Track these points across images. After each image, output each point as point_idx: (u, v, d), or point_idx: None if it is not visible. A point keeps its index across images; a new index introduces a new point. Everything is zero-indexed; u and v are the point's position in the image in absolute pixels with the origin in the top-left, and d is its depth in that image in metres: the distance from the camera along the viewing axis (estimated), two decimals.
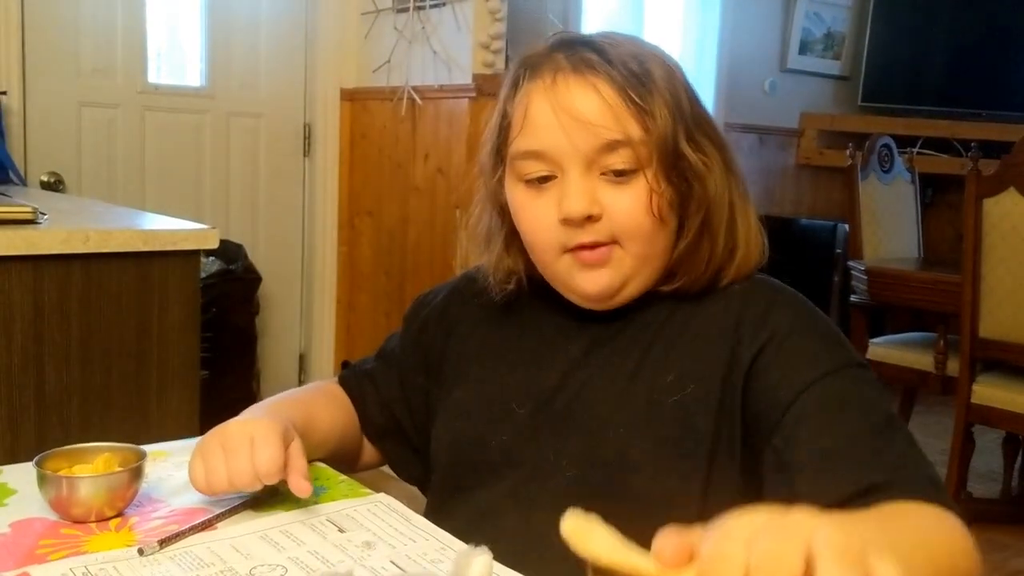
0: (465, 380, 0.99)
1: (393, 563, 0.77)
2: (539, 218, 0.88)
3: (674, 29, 4.17)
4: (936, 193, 4.38)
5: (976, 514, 2.90)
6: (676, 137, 0.86)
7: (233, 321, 2.92)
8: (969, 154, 2.65)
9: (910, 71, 4.73)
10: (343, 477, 0.96)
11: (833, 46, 4.77)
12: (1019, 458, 3.05)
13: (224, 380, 2.75)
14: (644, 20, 4.13)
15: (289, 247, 3.50)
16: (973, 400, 2.65)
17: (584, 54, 0.87)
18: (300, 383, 3.52)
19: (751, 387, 0.85)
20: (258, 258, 3.20)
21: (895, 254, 3.34)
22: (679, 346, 0.89)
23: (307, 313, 3.55)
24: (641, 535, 0.52)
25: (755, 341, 0.86)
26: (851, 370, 0.84)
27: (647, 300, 0.92)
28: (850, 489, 0.75)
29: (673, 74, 0.89)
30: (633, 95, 0.84)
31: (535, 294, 0.97)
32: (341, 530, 0.83)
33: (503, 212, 0.94)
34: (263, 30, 3.33)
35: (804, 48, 4.65)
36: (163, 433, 1.01)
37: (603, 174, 0.86)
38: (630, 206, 0.85)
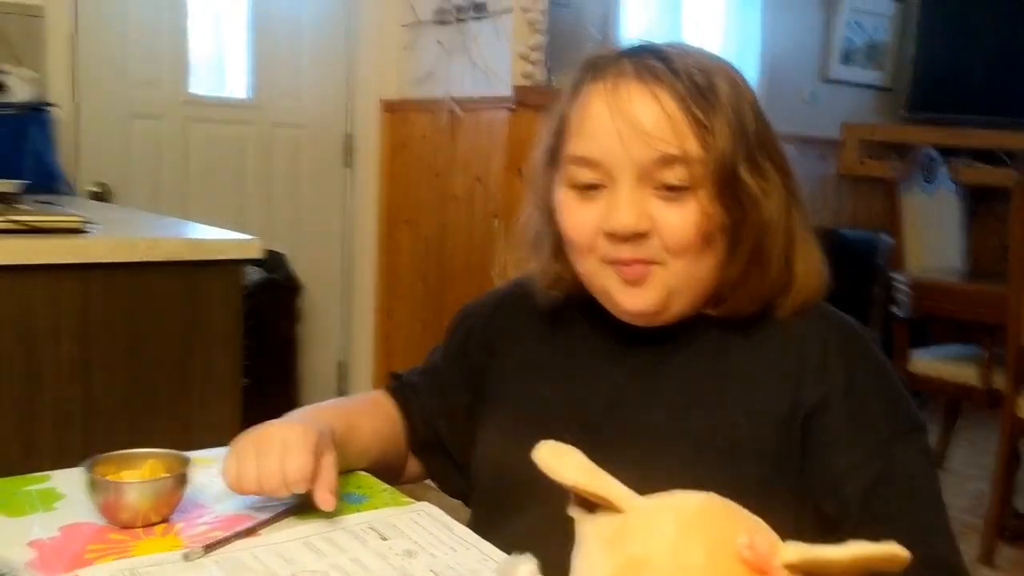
0: (508, 399, 0.97)
1: (433, 572, 0.78)
2: (583, 224, 0.86)
3: (714, 38, 4.15)
4: (981, 204, 4.31)
5: (1021, 531, 2.85)
6: (735, 158, 0.83)
7: (274, 330, 2.96)
8: (1015, 164, 2.61)
9: (954, 81, 4.67)
10: (384, 486, 0.97)
11: (875, 56, 4.73)
12: None
13: (265, 388, 2.78)
14: (682, 29, 4.12)
15: (329, 256, 3.53)
16: (1020, 414, 2.61)
17: (649, 61, 0.84)
18: (339, 391, 3.55)
19: (808, 440, 0.83)
20: (299, 267, 3.24)
21: (938, 265, 3.29)
22: (733, 382, 0.87)
23: (347, 322, 3.58)
24: None
25: (815, 391, 0.84)
26: (905, 441, 0.84)
27: (696, 323, 0.90)
28: None
29: (740, 91, 0.85)
30: (695, 109, 0.82)
31: (582, 308, 0.94)
32: (383, 538, 0.84)
33: (552, 216, 0.91)
34: (306, 42, 3.37)
35: (846, 58, 4.61)
36: (206, 440, 1.02)
37: (655, 188, 0.83)
38: (679, 224, 0.82)
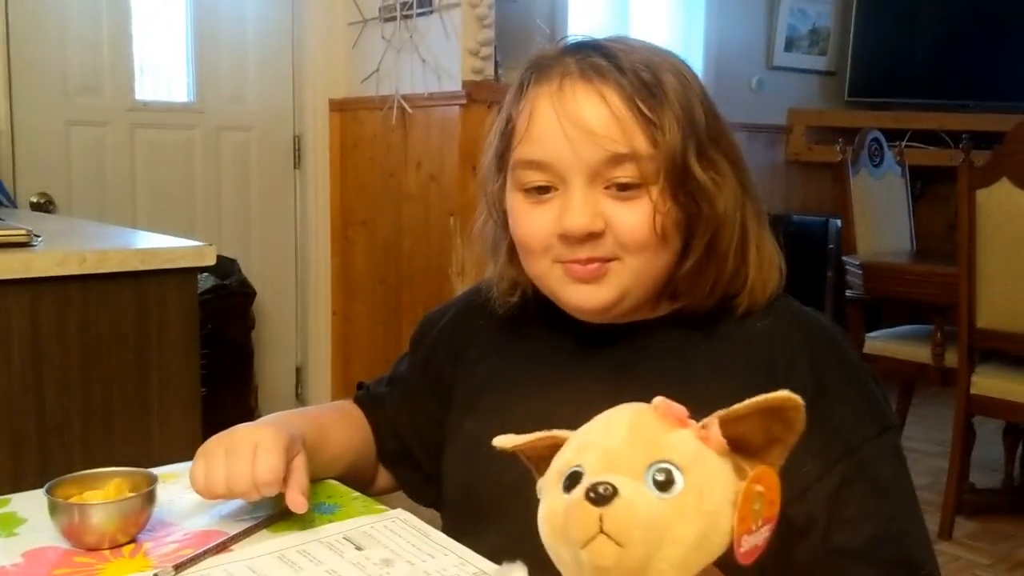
0: (475, 410, 0.96)
1: None
2: (536, 228, 0.84)
3: (660, 30, 4.17)
4: (926, 185, 4.39)
5: (979, 505, 2.91)
6: (685, 153, 0.81)
7: (229, 337, 2.91)
8: (960, 145, 2.66)
9: (896, 64, 4.75)
10: (356, 494, 0.95)
11: (819, 42, 4.79)
12: (1020, 448, 3.06)
13: (222, 397, 2.73)
14: (630, 21, 4.13)
15: (283, 260, 3.48)
16: (972, 391, 2.66)
17: (594, 59, 0.83)
18: (298, 397, 3.51)
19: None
20: (252, 272, 3.19)
21: (888, 247, 3.34)
22: (698, 386, 0.84)
23: (303, 326, 3.54)
24: None
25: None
26: (875, 443, 0.83)
27: (657, 324, 0.89)
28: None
29: (688, 84, 0.84)
30: (642, 106, 0.80)
31: (542, 312, 0.93)
32: (359, 548, 0.82)
33: (505, 221, 0.90)
34: (250, 43, 3.32)
35: (790, 45, 4.66)
36: (167, 453, 1.00)
37: (606, 188, 0.82)
38: (633, 222, 0.81)
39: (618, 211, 0.82)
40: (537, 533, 0.84)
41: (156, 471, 0.88)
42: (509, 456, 0.86)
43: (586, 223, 0.81)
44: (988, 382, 2.64)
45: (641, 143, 0.81)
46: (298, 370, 3.56)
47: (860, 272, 3.01)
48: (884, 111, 4.55)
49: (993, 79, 4.60)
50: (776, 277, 0.89)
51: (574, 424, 0.87)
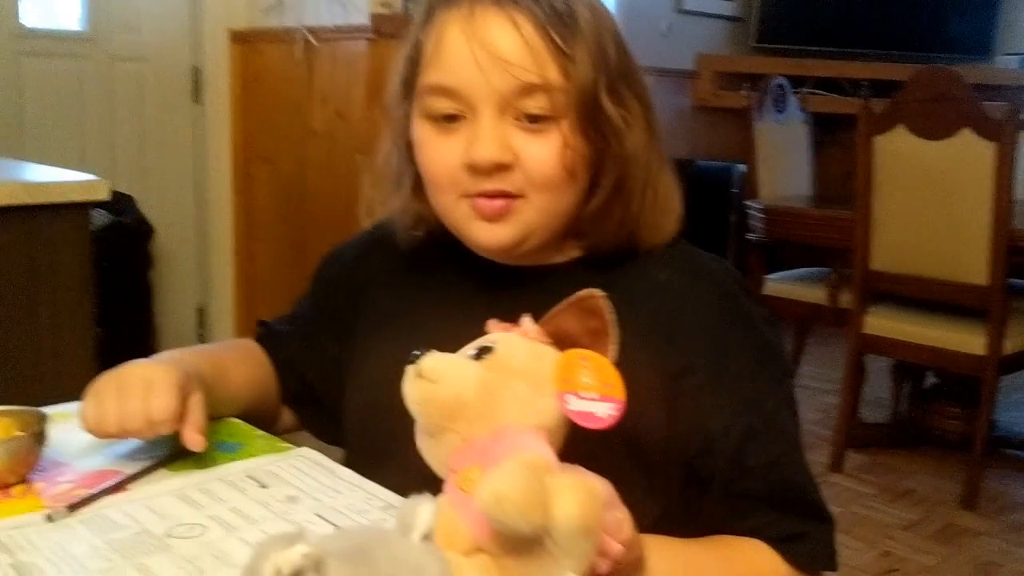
0: (376, 347, 0.93)
1: (319, 516, 0.76)
2: (442, 159, 0.82)
3: None
4: (827, 133, 4.50)
5: (868, 439, 3.05)
6: (597, 88, 0.80)
7: (126, 275, 2.81)
8: (860, 93, 2.72)
9: (803, 12, 4.82)
10: (259, 432, 0.94)
11: None
12: (907, 385, 3.21)
13: (120, 337, 2.65)
14: None
15: (182, 197, 3.37)
16: (864, 330, 2.76)
17: None
18: (200, 338, 3.43)
19: (678, 402, 0.82)
20: (149, 209, 3.08)
21: (790, 192, 3.42)
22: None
23: (204, 266, 3.44)
24: None
25: (683, 353, 0.83)
26: (773, 393, 0.85)
27: (563, 269, 0.88)
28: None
29: (602, 20, 0.82)
30: (555, 36, 0.78)
31: (446, 250, 0.91)
32: (263, 486, 0.81)
33: (410, 151, 0.86)
34: None
35: None
36: (60, 393, 0.95)
37: (516, 119, 0.79)
38: (542, 156, 0.79)
39: (528, 144, 0.80)
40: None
41: (47, 410, 0.85)
42: None
43: (495, 153, 0.79)
44: (880, 322, 2.75)
45: (553, 74, 0.79)
46: (200, 311, 3.47)
47: (762, 216, 3.08)
48: (790, 58, 4.62)
49: (894, 29, 4.72)
50: (675, 220, 0.89)
51: None
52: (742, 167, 3.87)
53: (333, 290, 1.02)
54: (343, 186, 2.94)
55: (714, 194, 4.26)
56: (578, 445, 0.68)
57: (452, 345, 0.85)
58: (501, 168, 0.80)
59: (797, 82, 3.89)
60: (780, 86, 3.45)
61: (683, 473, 0.84)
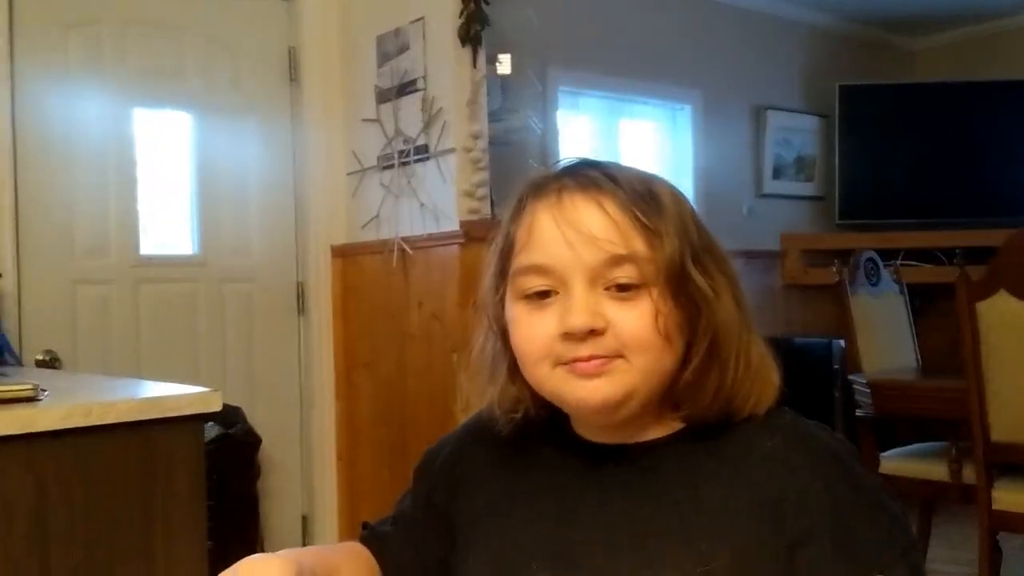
0: (477, 542, 0.93)
1: None
2: (537, 332, 0.84)
3: (649, 165, 4.29)
4: (924, 302, 4.42)
5: None
6: (683, 257, 0.83)
7: (234, 486, 2.87)
8: (955, 260, 2.69)
9: (881, 187, 4.87)
10: None
11: (805, 168, 4.92)
12: None
13: (228, 549, 2.66)
14: (619, 159, 4.25)
15: (287, 406, 3.47)
16: (995, 507, 2.60)
17: (589, 173, 0.86)
18: (304, 545, 3.42)
19: (795, 570, 0.80)
20: (256, 420, 3.17)
21: (893, 365, 3.34)
22: (711, 506, 0.83)
23: (307, 473, 3.49)
24: None
25: (798, 523, 0.81)
26: (898, 566, 0.81)
27: (663, 443, 0.88)
28: None
29: (680, 202, 0.87)
30: (639, 214, 0.83)
31: (546, 434, 0.92)
32: None
33: (505, 336, 0.89)
34: (252, 196, 3.41)
35: (777, 173, 4.79)
36: None
37: (607, 289, 0.83)
38: (634, 321, 0.82)
39: (619, 311, 0.82)
40: None
41: None
42: None
43: (588, 320, 0.81)
44: (1010, 497, 2.58)
45: (640, 246, 0.83)
46: (304, 518, 3.49)
47: (868, 391, 2.99)
48: (875, 232, 4.63)
49: (973, 197, 4.72)
50: (773, 389, 0.88)
51: (584, 551, 0.85)
52: (841, 342, 3.80)
53: (434, 485, 1.02)
54: (440, 385, 2.99)
55: (815, 371, 4.17)
56: None
57: (559, 529, 0.84)
58: (594, 334, 0.82)
59: (886, 255, 3.87)
60: (871, 259, 3.44)
61: None
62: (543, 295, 0.84)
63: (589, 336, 0.82)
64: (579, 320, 0.81)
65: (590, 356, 0.82)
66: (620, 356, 0.82)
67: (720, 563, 0.80)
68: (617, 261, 0.82)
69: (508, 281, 0.88)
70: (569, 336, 0.82)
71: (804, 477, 0.83)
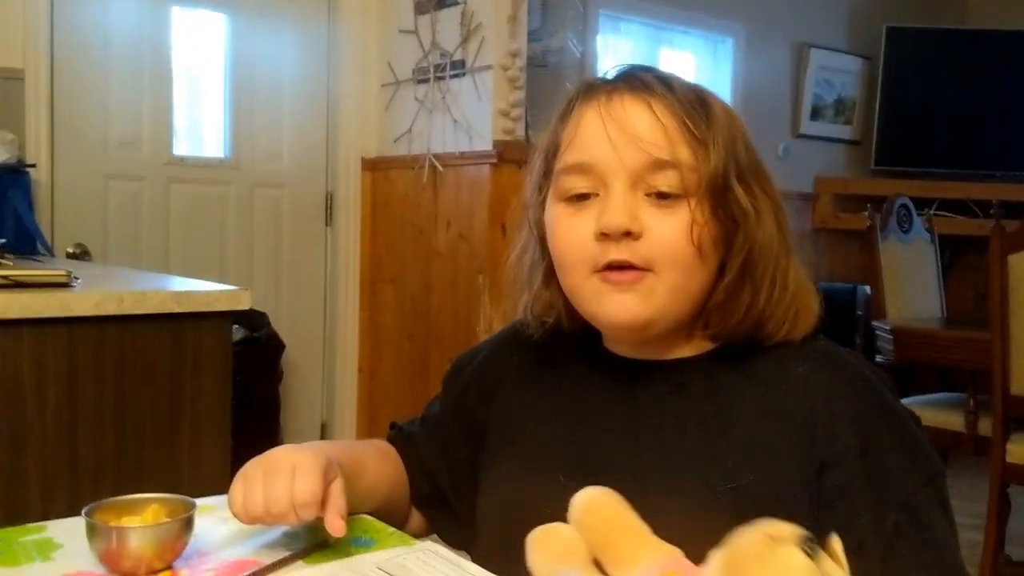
0: (508, 448, 0.95)
1: None
2: (574, 232, 0.84)
3: None
4: (954, 255, 4.37)
5: None
6: (727, 171, 0.82)
7: (257, 389, 2.91)
8: (991, 212, 2.65)
9: (921, 134, 4.78)
10: (392, 530, 0.94)
11: (844, 111, 4.83)
12: None
13: (247, 448, 2.72)
14: None
15: (312, 315, 3.50)
16: (1008, 460, 2.60)
17: (644, 76, 0.85)
18: None
19: (824, 492, 0.80)
20: (281, 326, 3.21)
21: (918, 314, 3.32)
22: (740, 426, 0.84)
23: (329, 381, 3.54)
24: None
25: (828, 447, 0.81)
26: (925, 492, 0.81)
27: (694, 362, 0.88)
28: None
29: (732, 116, 0.86)
30: (688, 121, 0.82)
31: (577, 346, 0.93)
32: None
33: (544, 241, 0.90)
34: (285, 103, 3.39)
35: (816, 114, 4.71)
36: (196, 495, 0.99)
37: (647, 195, 0.82)
38: (671, 230, 0.81)
39: (657, 218, 0.82)
40: None
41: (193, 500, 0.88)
42: (545, 496, 0.84)
43: (624, 221, 0.81)
44: (1023, 450, 2.59)
45: (684, 153, 0.82)
46: (323, 426, 3.55)
47: (891, 337, 2.98)
48: (909, 180, 4.56)
49: (1015, 150, 4.62)
50: (811, 317, 0.88)
51: (610, 465, 0.86)
52: (866, 288, 3.78)
53: (464, 392, 1.03)
54: (464, 305, 3.00)
55: (838, 316, 4.14)
56: (720, 535, 0.66)
57: (587, 441, 0.86)
58: (630, 237, 0.81)
59: (920, 204, 3.83)
60: (904, 206, 3.40)
61: None
62: (583, 197, 0.84)
63: (624, 238, 0.81)
64: (616, 219, 0.81)
65: (624, 261, 0.82)
66: (651, 271, 0.82)
67: (746, 481, 0.81)
68: (660, 166, 0.81)
69: (551, 182, 0.88)
70: (604, 236, 0.82)
71: (835, 402, 0.83)
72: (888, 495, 0.80)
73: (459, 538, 1.03)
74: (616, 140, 0.82)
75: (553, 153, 0.88)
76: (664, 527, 0.75)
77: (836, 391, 0.83)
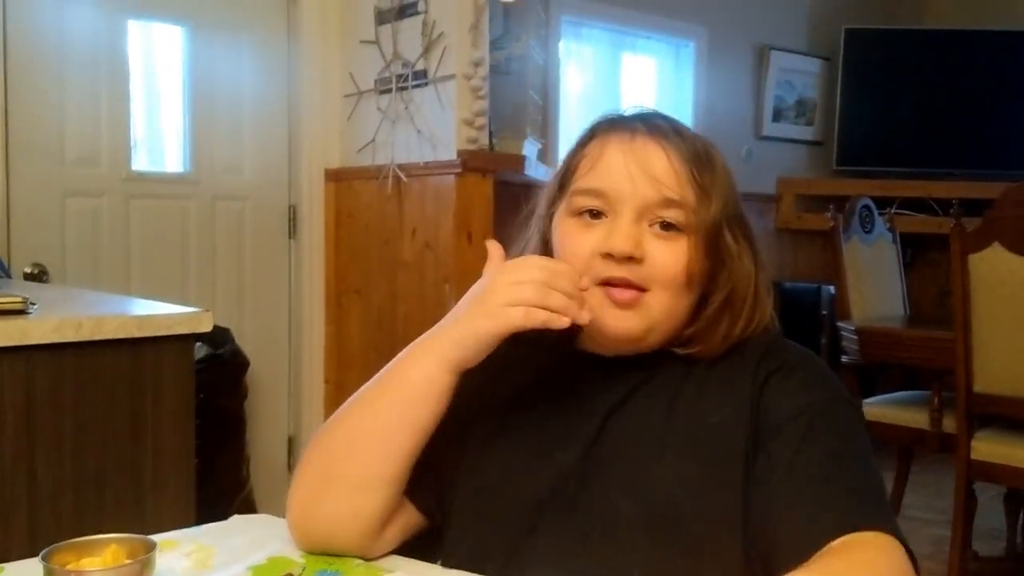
0: (511, 426, 1.00)
1: None
2: (582, 246, 0.94)
3: (648, 101, 4.25)
4: (916, 252, 4.43)
5: (983, 574, 2.86)
6: (721, 218, 0.95)
7: (221, 407, 2.87)
8: (951, 211, 2.69)
9: (881, 135, 4.84)
10: (358, 561, 0.93)
11: (805, 112, 4.88)
12: (1022, 514, 3.02)
13: (214, 467, 2.69)
14: (620, 94, 4.21)
15: (276, 329, 3.46)
16: (973, 456, 2.64)
17: (660, 124, 0.98)
18: (289, 467, 3.46)
19: (761, 404, 0.92)
20: (245, 342, 3.17)
21: (881, 313, 3.35)
22: (709, 385, 0.96)
23: (295, 395, 3.51)
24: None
25: (767, 368, 0.94)
26: (844, 406, 0.95)
27: (669, 361, 0.98)
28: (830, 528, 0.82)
29: (729, 172, 0.99)
30: (695, 171, 0.95)
31: (562, 342, 1.00)
32: None
33: (546, 248, 1.01)
34: (246, 115, 3.35)
35: (777, 116, 4.75)
36: (159, 523, 0.97)
37: (651, 225, 0.94)
38: (669, 258, 0.93)
39: (658, 246, 0.94)
40: (588, 536, 0.90)
41: (153, 538, 0.86)
42: (540, 470, 0.95)
43: (630, 247, 0.92)
44: (988, 447, 2.62)
45: (690, 197, 0.95)
46: (290, 440, 3.51)
47: (855, 337, 3.01)
48: (872, 179, 4.61)
49: (974, 148, 4.69)
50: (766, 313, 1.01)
51: (602, 436, 0.94)
52: (831, 288, 3.82)
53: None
54: (432, 314, 2.97)
55: (803, 316, 4.20)
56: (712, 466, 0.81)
57: (578, 419, 0.96)
58: (632, 260, 0.93)
59: (882, 203, 3.87)
60: (866, 207, 3.43)
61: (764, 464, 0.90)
62: (593, 215, 0.95)
63: (627, 261, 0.93)
64: (623, 245, 0.92)
65: (624, 280, 0.93)
66: (648, 290, 0.93)
67: (727, 413, 0.92)
68: (669, 203, 0.94)
69: (565, 198, 0.99)
70: (609, 257, 0.93)
71: (779, 353, 0.96)
72: (813, 393, 0.93)
73: (428, 500, 1.02)
74: (635, 175, 0.94)
75: (570, 172, 0.99)
76: (663, 471, 0.90)
77: (779, 348, 0.97)
